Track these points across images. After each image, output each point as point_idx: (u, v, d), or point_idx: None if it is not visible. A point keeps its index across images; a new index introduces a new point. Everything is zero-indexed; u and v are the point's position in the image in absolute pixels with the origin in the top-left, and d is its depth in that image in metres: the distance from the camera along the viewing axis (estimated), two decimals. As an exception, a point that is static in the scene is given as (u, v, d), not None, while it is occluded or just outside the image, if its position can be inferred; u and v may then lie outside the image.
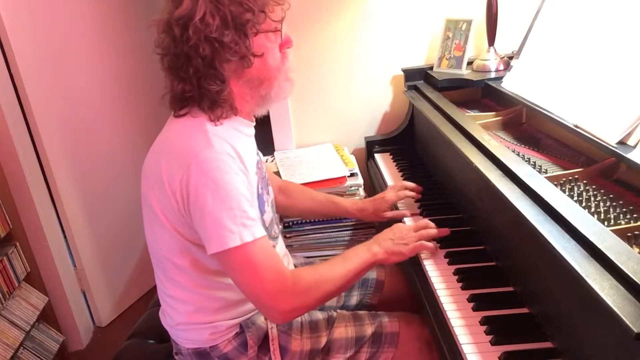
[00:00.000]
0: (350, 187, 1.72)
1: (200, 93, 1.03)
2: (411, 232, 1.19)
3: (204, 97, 1.04)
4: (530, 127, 1.44)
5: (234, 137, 1.06)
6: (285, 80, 1.11)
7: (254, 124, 1.17)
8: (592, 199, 0.99)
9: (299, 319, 1.19)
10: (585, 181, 1.06)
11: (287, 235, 1.73)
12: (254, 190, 1.07)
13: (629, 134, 1.00)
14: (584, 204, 0.98)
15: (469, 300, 1.04)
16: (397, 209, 1.48)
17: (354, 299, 1.40)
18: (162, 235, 1.07)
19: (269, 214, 1.20)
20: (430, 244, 1.19)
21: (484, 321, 0.97)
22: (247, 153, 1.08)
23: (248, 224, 0.97)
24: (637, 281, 0.69)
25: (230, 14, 0.98)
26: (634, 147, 0.99)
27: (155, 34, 1.04)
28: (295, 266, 1.36)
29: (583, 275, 0.74)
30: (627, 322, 0.64)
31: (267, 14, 1.02)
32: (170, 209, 1.02)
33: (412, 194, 1.46)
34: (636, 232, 0.86)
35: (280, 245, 1.28)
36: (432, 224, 1.23)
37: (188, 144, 1.01)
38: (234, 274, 1.01)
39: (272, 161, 1.96)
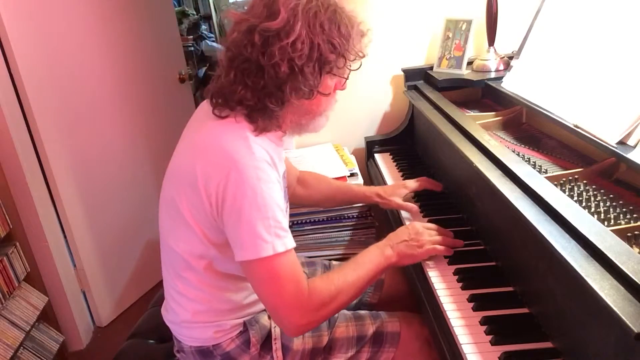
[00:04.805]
0: (351, 187, 1.71)
1: (258, 107, 1.02)
2: (425, 234, 1.17)
3: (259, 110, 1.02)
4: (530, 127, 1.44)
5: (269, 146, 1.05)
6: (324, 117, 1.13)
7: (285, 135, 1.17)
8: (592, 199, 1.00)
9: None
10: (585, 181, 1.06)
11: (287, 235, 1.73)
12: (284, 200, 1.07)
13: (629, 134, 1.01)
14: (584, 204, 0.98)
15: (469, 300, 1.04)
16: (399, 214, 1.47)
17: (354, 299, 1.40)
18: (185, 236, 1.07)
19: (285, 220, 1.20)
20: (443, 248, 1.18)
21: (484, 321, 0.97)
22: (280, 163, 1.09)
23: (281, 235, 0.97)
24: (637, 281, 0.70)
25: (318, 48, 0.98)
26: (634, 147, 0.99)
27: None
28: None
29: (583, 275, 0.74)
30: (627, 322, 0.65)
31: (347, 61, 1.04)
32: (202, 212, 1.01)
33: (431, 186, 1.48)
34: (636, 232, 0.86)
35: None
36: (450, 233, 1.22)
37: (228, 149, 0.99)
38: (256, 283, 1.01)
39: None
